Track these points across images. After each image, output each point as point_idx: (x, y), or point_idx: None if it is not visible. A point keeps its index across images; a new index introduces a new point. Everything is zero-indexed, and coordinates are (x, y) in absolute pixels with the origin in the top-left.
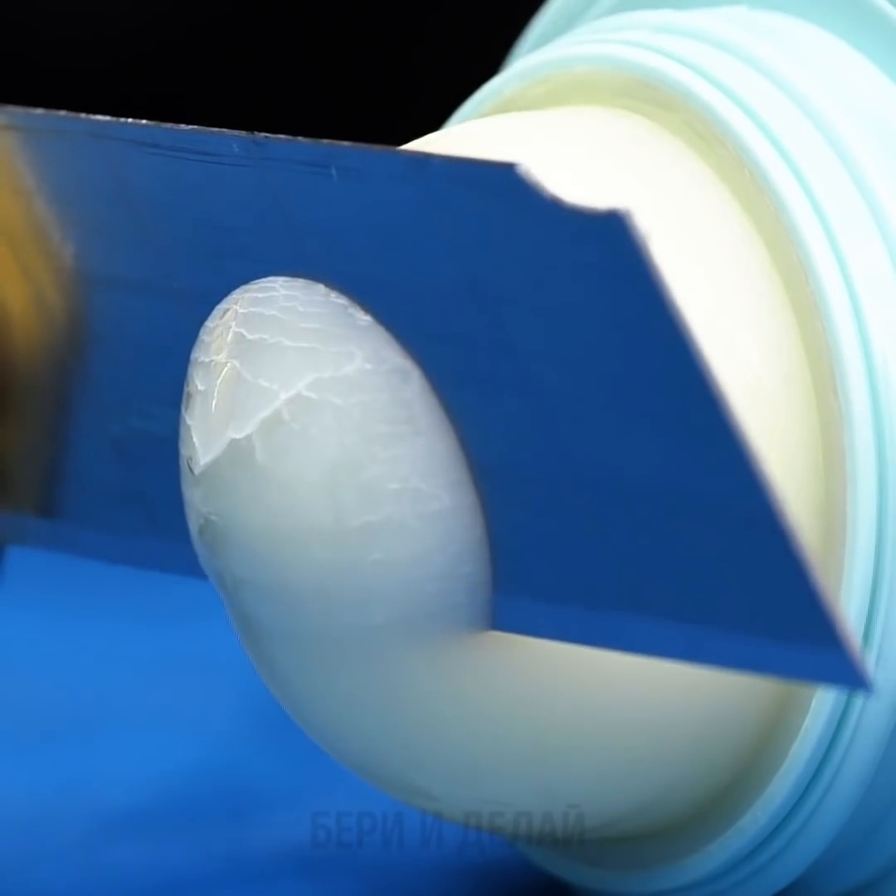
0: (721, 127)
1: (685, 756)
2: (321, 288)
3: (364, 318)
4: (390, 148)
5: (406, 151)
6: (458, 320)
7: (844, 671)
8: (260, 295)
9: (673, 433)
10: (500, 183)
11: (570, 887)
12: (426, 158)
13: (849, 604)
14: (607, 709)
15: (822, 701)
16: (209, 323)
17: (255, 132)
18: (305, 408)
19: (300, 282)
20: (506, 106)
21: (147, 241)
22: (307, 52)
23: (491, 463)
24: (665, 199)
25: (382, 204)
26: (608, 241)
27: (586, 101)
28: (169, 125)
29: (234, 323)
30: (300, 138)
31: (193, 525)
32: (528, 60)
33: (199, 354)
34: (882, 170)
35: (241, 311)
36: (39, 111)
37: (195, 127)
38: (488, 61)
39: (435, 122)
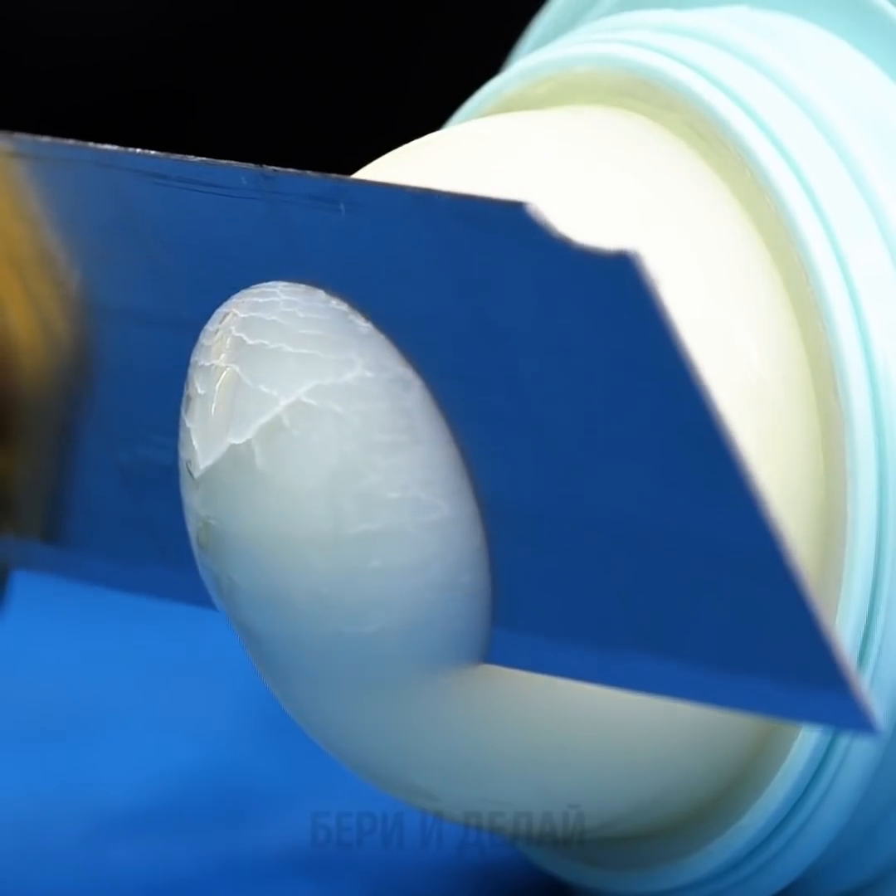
0: (722, 127)
1: (685, 756)
2: (321, 294)
3: (365, 326)
4: (398, 184)
5: (414, 187)
6: (465, 356)
7: (850, 715)
8: (260, 299)
9: (680, 474)
10: (509, 221)
11: (570, 887)
12: (434, 195)
13: (849, 604)
14: (607, 709)
15: None
16: (209, 326)
17: (264, 165)
18: (306, 414)
19: (301, 287)
20: (507, 105)
21: (154, 270)
22: (307, 53)
23: (496, 498)
24: (665, 199)
25: (391, 239)
26: (617, 283)
27: (587, 101)
28: (177, 156)
29: (234, 327)
30: (309, 172)
31: (192, 528)
32: (529, 60)
33: (198, 358)
34: (882, 169)
35: (241, 315)
36: (46, 139)
37: (203, 159)
38: (490, 61)
39: (435, 121)
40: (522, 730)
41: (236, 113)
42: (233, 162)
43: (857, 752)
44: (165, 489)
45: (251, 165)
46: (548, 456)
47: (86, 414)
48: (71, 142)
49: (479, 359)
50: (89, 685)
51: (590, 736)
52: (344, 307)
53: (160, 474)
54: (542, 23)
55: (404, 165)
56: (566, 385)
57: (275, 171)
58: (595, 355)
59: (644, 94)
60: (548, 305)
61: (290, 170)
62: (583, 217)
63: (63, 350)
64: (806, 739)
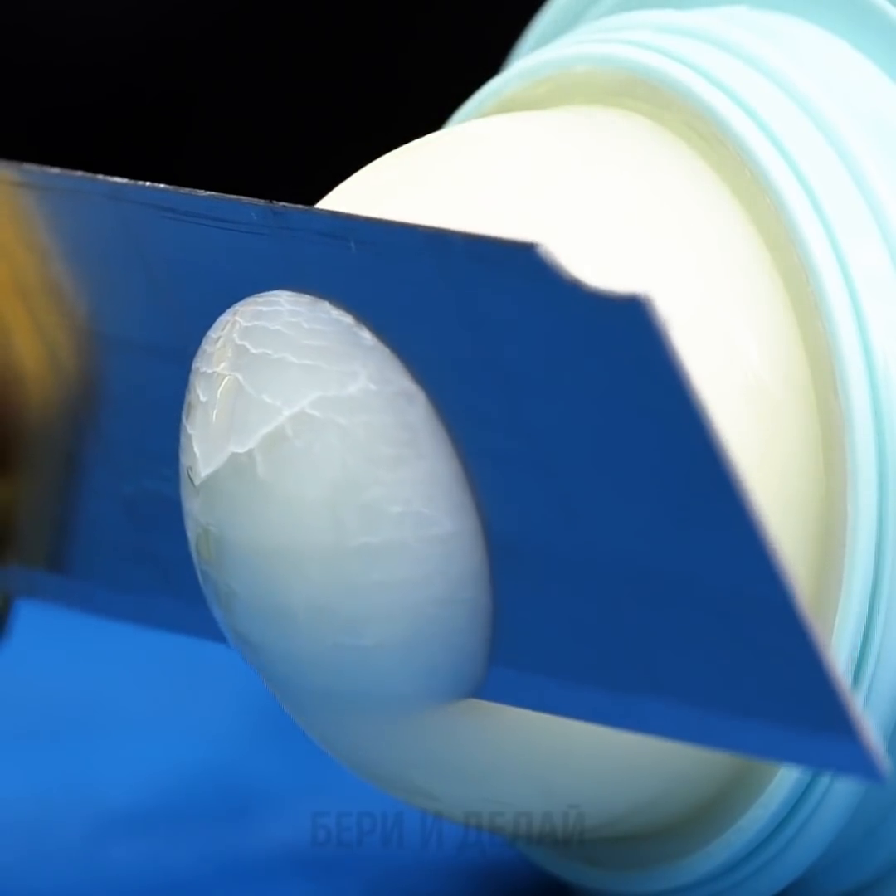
0: (722, 127)
1: (685, 756)
2: (326, 305)
3: (369, 338)
4: (410, 223)
5: (426, 227)
6: (475, 394)
7: (858, 761)
8: (264, 308)
9: (689, 518)
10: (521, 263)
11: (570, 887)
12: (447, 235)
13: (849, 603)
14: None
15: None
16: (212, 333)
17: (274, 201)
18: (309, 426)
19: (306, 298)
20: (506, 105)
21: (162, 303)
22: (306, 53)
23: (505, 537)
24: (665, 199)
25: (401, 277)
26: (628, 326)
27: (587, 101)
28: (186, 191)
29: (236, 335)
30: (319, 208)
31: (191, 535)
32: (528, 60)
33: (200, 364)
34: (882, 169)
35: (244, 323)
36: (56, 170)
37: (212, 193)
38: (489, 61)
39: (435, 121)
40: (522, 731)
41: (235, 114)
42: (242, 197)
43: None
44: (171, 522)
45: (261, 201)
46: (557, 496)
47: (91, 444)
48: (79, 173)
49: (485, 393)
50: (89, 685)
51: (590, 737)
52: (348, 319)
53: (165, 507)
54: (541, 23)
55: (404, 165)
56: (574, 425)
57: (284, 207)
58: (604, 397)
59: (644, 93)
60: (557, 346)
61: (300, 206)
62: (583, 217)
63: (69, 380)
64: None
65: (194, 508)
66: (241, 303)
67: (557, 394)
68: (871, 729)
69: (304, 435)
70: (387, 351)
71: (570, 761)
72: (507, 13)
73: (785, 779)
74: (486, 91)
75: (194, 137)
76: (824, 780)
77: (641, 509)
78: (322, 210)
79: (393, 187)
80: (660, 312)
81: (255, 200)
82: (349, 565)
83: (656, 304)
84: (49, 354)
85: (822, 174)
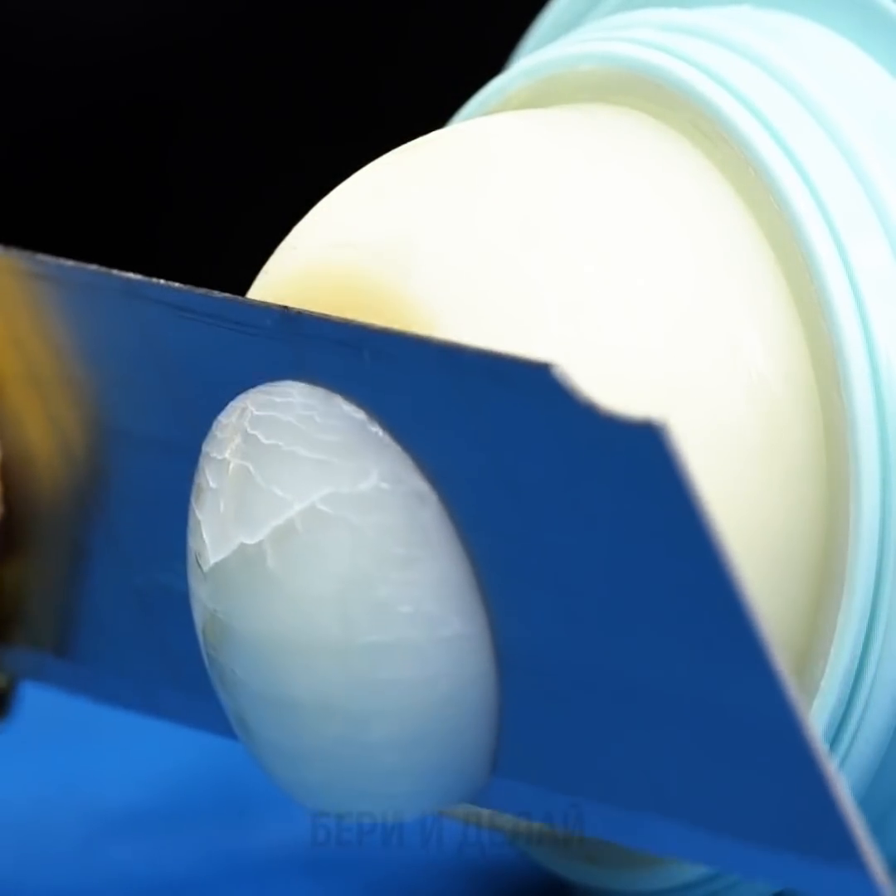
0: (725, 125)
1: None
2: (339, 400)
3: (382, 436)
4: (424, 336)
5: (440, 341)
6: (488, 504)
7: (865, 890)
8: (277, 399)
9: (701, 643)
10: (534, 383)
11: (570, 886)
12: (460, 351)
13: (852, 602)
14: None
15: (824, 702)
16: (223, 418)
17: (289, 308)
18: (320, 521)
19: (319, 391)
20: (510, 104)
21: (175, 400)
22: (308, 53)
23: (513, 644)
24: (668, 197)
25: (414, 386)
26: (641, 451)
27: (591, 100)
28: (202, 291)
29: (247, 423)
30: (334, 316)
31: (198, 617)
32: (532, 58)
33: (210, 449)
34: (887, 168)
35: (255, 411)
36: (71, 263)
37: (229, 296)
38: (492, 59)
39: (437, 120)
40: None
41: (234, 113)
42: (258, 301)
43: (857, 755)
44: (181, 615)
45: (276, 306)
46: (565, 609)
47: (100, 533)
48: (95, 267)
49: (497, 505)
50: None
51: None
52: (361, 415)
53: (177, 601)
54: (545, 21)
55: (405, 164)
56: (586, 544)
57: (299, 313)
58: (618, 520)
59: (647, 92)
60: (571, 466)
61: (316, 313)
62: (587, 215)
63: (80, 470)
64: None
65: (202, 593)
66: (252, 390)
67: (570, 513)
68: (879, 860)
69: (315, 530)
70: (400, 450)
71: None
72: (509, 12)
73: None
74: (489, 89)
75: (193, 137)
76: None
77: (652, 631)
78: (337, 318)
79: (394, 187)
80: (673, 438)
81: (270, 305)
82: (357, 662)
83: (670, 429)
84: (61, 444)
85: (826, 173)
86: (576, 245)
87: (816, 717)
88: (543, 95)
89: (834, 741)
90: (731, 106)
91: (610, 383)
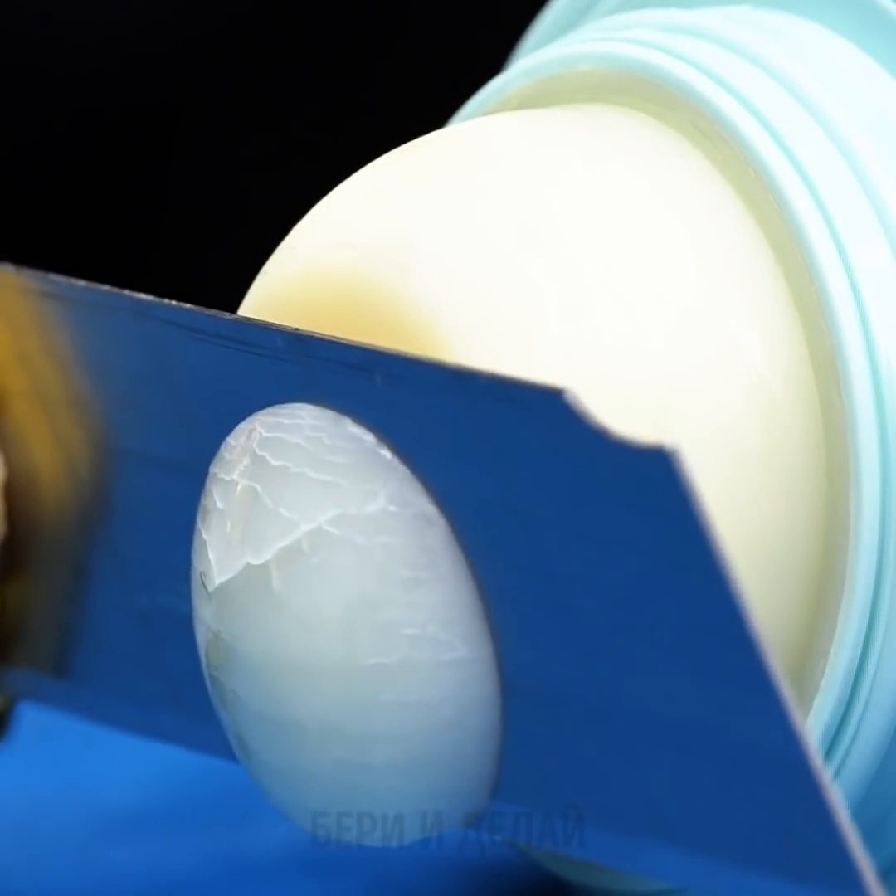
0: (725, 125)
1: None
2: (348, 422)
3: (390, 458)
4: (436, 360)
5: (453, 365)
6: (495, 529)
7: None
8: (286, 421)
9: (707, 672)
10: (546, 408)
11: (570, 886)
12: (472, 374)
13: (852, 602)
14: None
15: (824, 701)
16: (231, 439)
17: (299, 330)
18: (327, 543)
19: (329, 413)
20: (510, 104)
21: (183, 420)
22: (307, 52)
23: (518, 668)
24: (668, 197)
25: (425, 409)
26: (652, 477)
27: (590, 100)
28: (212, 312)
29: (255, 444)
30: (344, 339)
31: (201, 637)
32: (532, 58)
33: (218, 470)
34: (886, 168)
35: (264, 433)
36: (82, 283)
37: (239, 316)
38: (492, 59)
39: (437, 120)
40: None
41: (234, 112)
42: (269, 322)
43: (857, 755)
44: (184, 638)
45: (287, 327)
46: (571, 634)
47: (104, 554)
48: (106, 288)
49: (505, 530)
50: None
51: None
52: (370, 438)
53: (179, 623)
54: (544, 21)
55: (405, 164)
56: (596, 572)
57: (311, 335)
58: (626, 545)
59: (647, 92)
60: (581, 492)
61: (327, 335)
62: (586, 215)
63: (85, 490)
64: None
65: (206, 614)
66: (261, 411)
67: (579, 538)
68: (881, 889)
69: (321, 552)
70: (408, 472)
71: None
72: (509, 12)
73: None
74: (488, 89)
75: (193, 137)
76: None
77: (659, 658)
78: (348, 341)
79: (394, 187)
80: (684, 464)
81: (281, 326)
82: (360, 683)
83: (681, 455)
84: (66, 463)
85: (826, 173)
86: (576, 245)
87: (816, 717)
88: (543, 95)
89: (834, 741)
90: (731, 106)
91: (610, 383)
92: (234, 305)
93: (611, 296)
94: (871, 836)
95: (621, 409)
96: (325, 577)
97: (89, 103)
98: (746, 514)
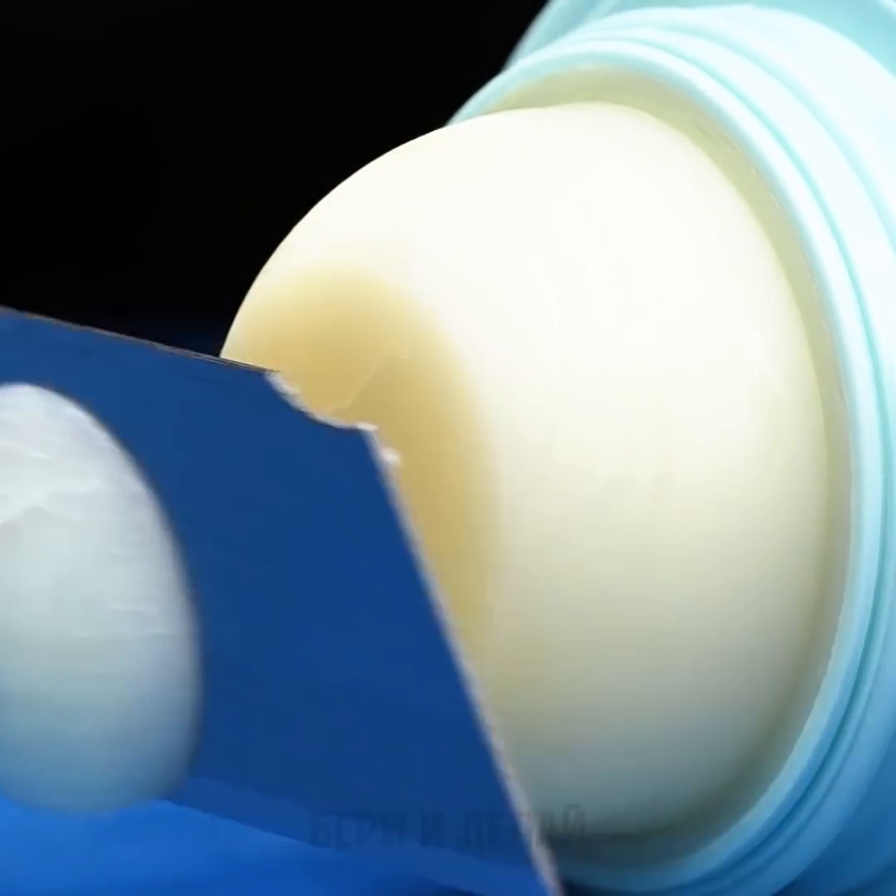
0: (727, 124)
1: (687, 754)
2: (67, 404)
3: (105, 440)
4: (151, 344)
5: (168, 350)
6: (204, 513)
7: (537, 891)
8: (7, 400)
9: (391, 648)
10: (250, 388)
11: (570, 886)
12: (185, 358)
13: (853, 602)
14: (608, 706)
15: (825, 700)
16: None
17: (24, 312)
18: (41, 520)
19: (49, 395)
20: (510, 103)
21: None
22: (306, 52)
23: (220, 646)
24: (669, 197)
25: (143, 393)
26: (348, 458)
27: (591, 99)
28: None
29: None
30: (67, 324)
31: None
32: (532, 58)
33: None
34: (888, 168)
35: None
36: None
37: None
38: (492, 59)
39: (436, 120)
40: (519, 727)
41: (234, 112)
42: None
43: (861, 753)
44: None
45: (10, 311)
46: (269, 612)
47: None
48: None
49: (213, 509)
50: None
51: (589, 732)
52: (87, 419)
53: None
54: (545, 20)
55: (405, 163)
56: (294, 550)
57: (34, 319)
58: (324, 525)
59: (648, 91)
60: (281, 472)
61: (51, 320)
62: (587, 214)
63: None
64: (809, 738)
65: None
66: None
67: (280, 518)
68: (548, 862)
69: (35, 528)
70: (122, 454)
71: (570, 757)
72: (509, 12)
73: (788, 778)
74: (489, 89)
75: (192, 136)
76: (827, 778)
77: (352, 637)
78: (71, 325)
79: (393, 186)
80: (380, 446)
81: (6, 309)
82: (66, 655)
83: (374, 436)
84: None
85: (828, 173)
86: (577, 244)
87: (817, 718)
88: (543, 95)
89: (834, 742)
90: (733, 105)
91: (611, 382)
92: (234, 305)
93: (612, 295)
94: (871, 836)
95: (622, 408)
96: (38, 553)
97: (89, 103)
98: (747, 513)
